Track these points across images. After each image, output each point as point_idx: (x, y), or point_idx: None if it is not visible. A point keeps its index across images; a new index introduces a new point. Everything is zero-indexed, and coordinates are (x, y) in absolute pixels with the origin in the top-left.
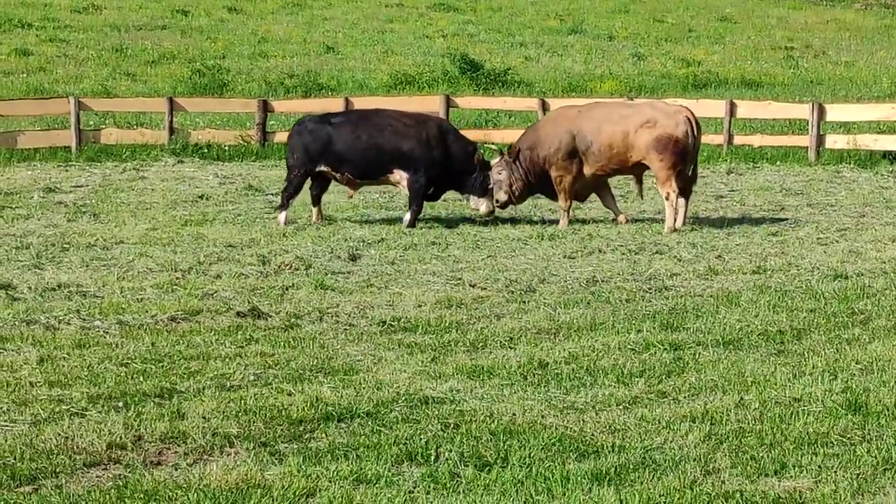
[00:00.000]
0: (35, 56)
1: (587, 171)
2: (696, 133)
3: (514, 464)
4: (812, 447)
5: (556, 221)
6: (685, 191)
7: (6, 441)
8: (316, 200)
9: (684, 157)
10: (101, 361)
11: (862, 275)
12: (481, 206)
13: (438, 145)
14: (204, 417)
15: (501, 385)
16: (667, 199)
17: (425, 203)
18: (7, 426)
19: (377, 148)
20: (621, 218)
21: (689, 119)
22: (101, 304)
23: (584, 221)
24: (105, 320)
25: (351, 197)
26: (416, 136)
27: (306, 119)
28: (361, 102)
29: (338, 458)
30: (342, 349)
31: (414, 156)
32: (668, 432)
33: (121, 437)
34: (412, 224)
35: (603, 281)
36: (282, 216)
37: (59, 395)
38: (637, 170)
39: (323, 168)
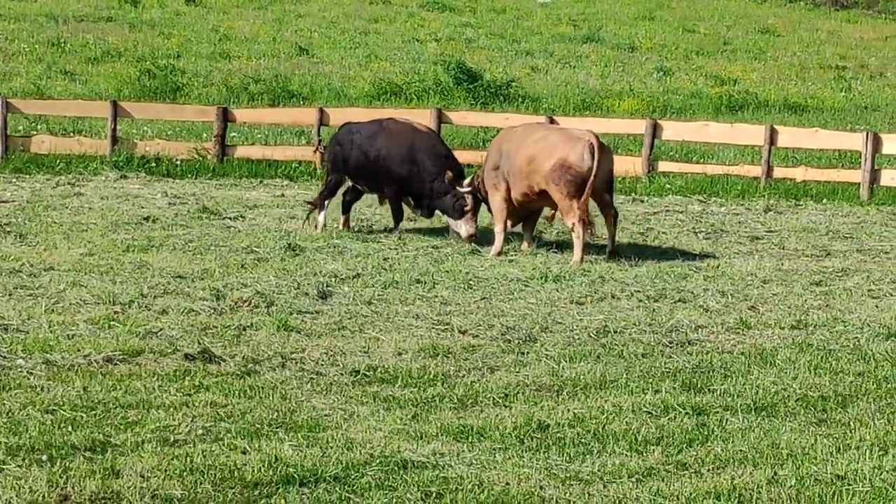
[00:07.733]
0: None
1: (513, 195)
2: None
3: None
4: None
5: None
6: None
7: None
8: (346, 208)
9: (583, 185)
10: (24, 407)
11: None
12: (461, 229)
13: (406, 158)
14: (142, 476)
15: (493, 449)
16: (572, 230)
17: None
18: None
19: (374, 164)
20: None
21: (591, 145)
22: (26, 340)
23: (594, 261)
24: (29, 359)
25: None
26: (390, 147)
27: (344, 126)
28: (338, 114)
29: None
30: (307, 401)
31: (389, 167)
32: None
33: (44, 496)
34: (395, 227)
35: (616, 332)
36: (320, 217)
37: None
38: (548, 201)
39: (350, 180)
